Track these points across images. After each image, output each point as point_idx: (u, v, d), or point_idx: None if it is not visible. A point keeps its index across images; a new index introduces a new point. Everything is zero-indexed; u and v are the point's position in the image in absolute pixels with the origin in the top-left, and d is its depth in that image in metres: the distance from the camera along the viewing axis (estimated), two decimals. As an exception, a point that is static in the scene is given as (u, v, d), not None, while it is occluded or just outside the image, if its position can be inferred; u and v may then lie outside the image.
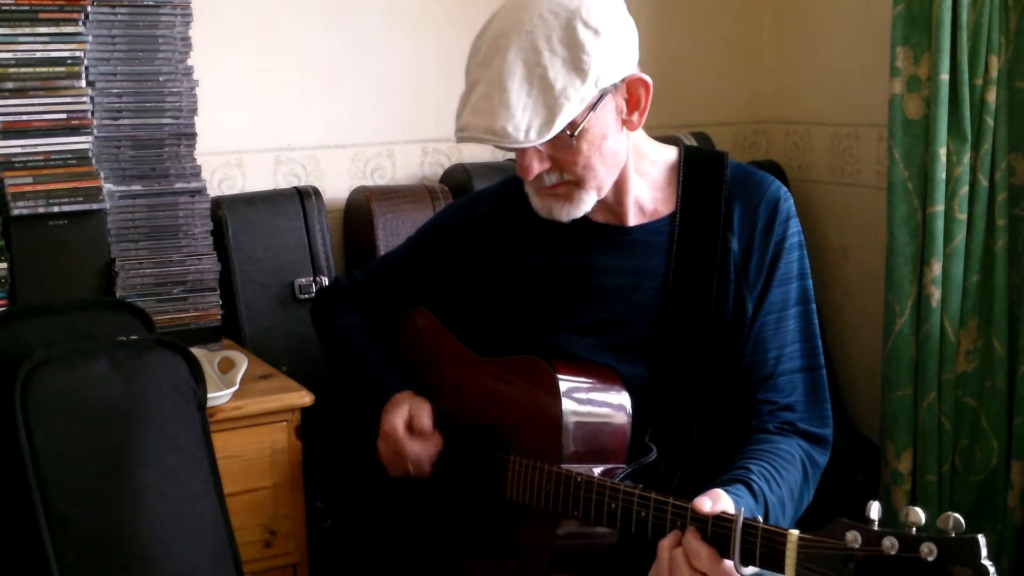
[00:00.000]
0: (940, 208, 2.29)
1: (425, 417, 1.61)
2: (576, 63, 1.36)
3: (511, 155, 2.65)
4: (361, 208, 2.39)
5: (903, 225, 2.35)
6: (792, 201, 1.56)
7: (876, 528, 1.12)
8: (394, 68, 2.54)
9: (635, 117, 1.48)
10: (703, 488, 1.32)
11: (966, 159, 2.28)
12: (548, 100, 1.36)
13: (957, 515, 1.07)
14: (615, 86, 1.43)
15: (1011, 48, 2.28)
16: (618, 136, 1.47)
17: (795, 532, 1.18)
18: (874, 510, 1.14)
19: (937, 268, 2.30)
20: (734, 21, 2.94)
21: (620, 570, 1.47)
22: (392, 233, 2.31)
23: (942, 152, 2.28)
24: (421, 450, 1.61)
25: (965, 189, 2.28)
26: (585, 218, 1.56)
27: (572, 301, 1.57)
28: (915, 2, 2.31)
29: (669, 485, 1.47)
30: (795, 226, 1.55)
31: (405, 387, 1.67)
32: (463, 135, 1.41)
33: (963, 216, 2.29)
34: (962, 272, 2.32)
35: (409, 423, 1.62)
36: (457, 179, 2.49)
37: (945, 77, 2.25)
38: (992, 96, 2.26)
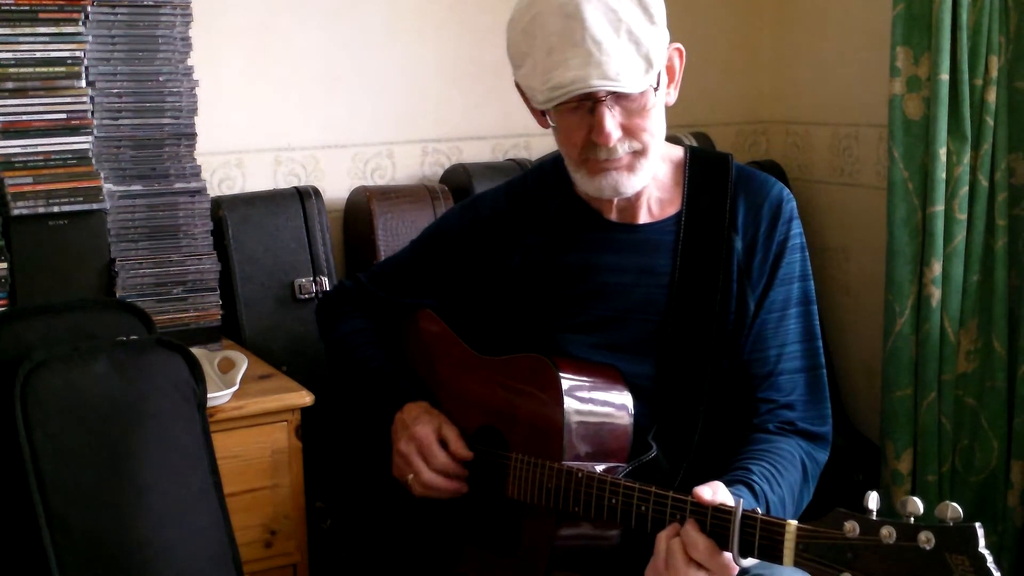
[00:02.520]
0: (940, 208, 2.29)
1: (456, 441, 1.59)
2: (651, 19, 1.41)
3: (511, 155, 2.68)
4: (361, 208, 2.39)
5: (903, 225, 2.35)
6: (795, 203, 1.57)
7: (874, 518, 1.13)
8: (394, 68, 2.54)
9: (672, 91, 1.52)
10: None
11: (966, 159, 2.28)
12: (640, 51, 1.40)
13: (955, 504, 1.07)
14: (668, 48, 1.47)
15: (1011, 48, 2.28)
16: (664, 109, 1.50)
17: (793, 523, 1.18)
18: (872, 500, 1.14)
19: (937, 268, 2.30)
20: (734, 21, 2.94)
21: (620, 568, 1.47)
22: (392, 233, 2.31)
23: (942, 152, 2.28)
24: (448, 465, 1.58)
25: (965, 189, 2.28)
26: (599, 215, 1.58)
27: (575, 299, 1.58)
28: (915, 2, 2.31)
29: (672, 483, 1.47)
30: (797, 227, 1.56)
31: (418, 396, 1.66)
32: (571, 88, 1.39)
33: (963, 216, 2.29)
34: (962, 272, 2.32)
35: (439, 436, 1.60)
36: (457, 179, 2.49)
37: (945, 77, 2.25)
38: (992, 96, 2.26)
